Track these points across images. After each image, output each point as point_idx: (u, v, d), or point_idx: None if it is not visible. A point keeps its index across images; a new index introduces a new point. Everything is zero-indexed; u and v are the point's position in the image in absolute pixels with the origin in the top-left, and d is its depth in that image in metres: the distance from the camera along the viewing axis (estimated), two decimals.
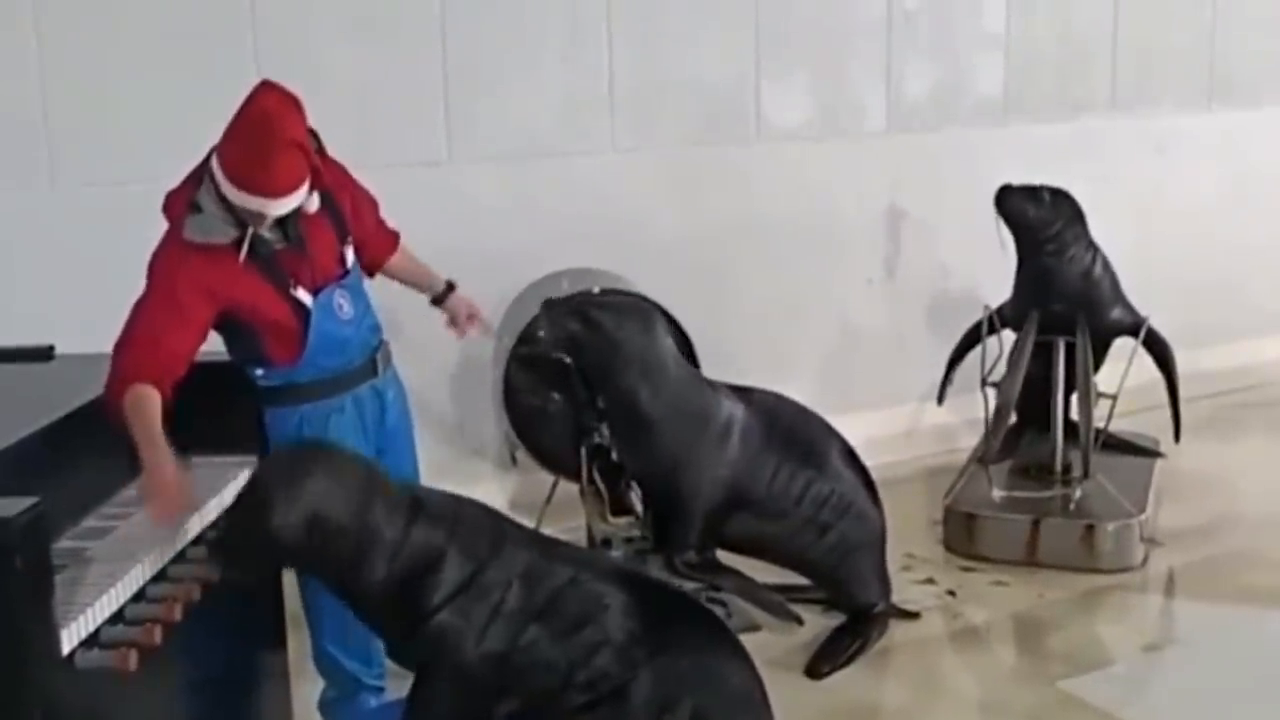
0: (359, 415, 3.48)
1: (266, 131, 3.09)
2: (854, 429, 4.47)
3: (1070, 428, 5.10)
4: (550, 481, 4.70)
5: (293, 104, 3.14)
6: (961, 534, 4.90)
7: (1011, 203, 5.00)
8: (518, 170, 5.13)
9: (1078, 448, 4.95)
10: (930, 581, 4.69)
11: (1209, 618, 4.43)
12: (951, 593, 4.62)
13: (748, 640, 3.23)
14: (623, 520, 4.46)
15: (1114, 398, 4.90)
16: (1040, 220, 4.99)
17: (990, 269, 5.14)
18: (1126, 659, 4.19)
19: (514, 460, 5.02)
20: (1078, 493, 4.86)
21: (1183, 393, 5.12)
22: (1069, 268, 5.01)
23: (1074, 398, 5.07)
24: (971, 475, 5.02)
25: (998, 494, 4.90)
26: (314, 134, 3.25)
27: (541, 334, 4.16)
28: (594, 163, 5.28)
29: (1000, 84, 6.09)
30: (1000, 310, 5.15)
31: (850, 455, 4.23)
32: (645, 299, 4.42)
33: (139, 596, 2.68)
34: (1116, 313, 5.09)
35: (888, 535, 4.31)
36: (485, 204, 5.06)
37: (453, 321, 3.82)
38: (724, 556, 4.25)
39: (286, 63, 3.59)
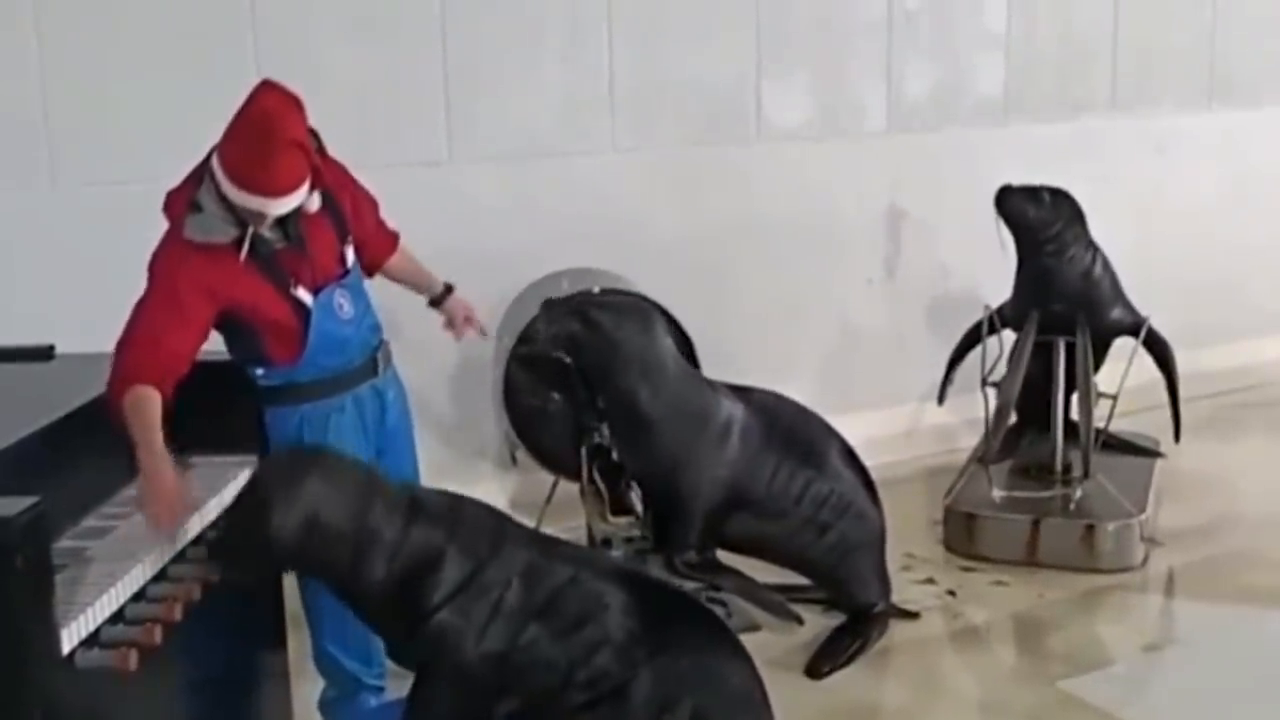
0: (359, 415, 3.48)
1: (267, 131, 3.09)
2: (854, 429, 4.47)
3: (1070, 428, 5.10)
4: (550, 481, 4.70)
5: (293, 103, 3.15)
6: (961, 534, 4.90)
7: (1011, 203, 5.00)
8: (518, 170, 5.13)
9: (1078, 448, 4.95)
10: (930, 581, 4.69)
11: (1209, 618, 4.43)
12: (951, 593, 4.62)
13: (748, 640, 3.23)
14: (623, 520, 4.46)
15: (1114, 398, 4.90)
16: (1040, 220, 4.99)
17: (990, 269, 5.14)
18: (1126, 659, 4.19)
19: (514, 460, 5.02)
20: (1078, 493, 4.86)
21: (1183, 393, 5.12)
22: (1069, 268, 5.01)
23: (1074, 398, 5.07)
24: (971, 475, 5.02)
25: (998, 494, 4.90)
26: (314, 134, 3.25)
27: (541, 334, 4.17)
28: (594, 163, 5.28)
29: (1000, 84, 6.09)
30: (1000, 310, 5.15)
31: (849, 455, 4.23)
32: (645, 299, 4.42)
33: (139, 596, 2.68)
34: (1116, 313, 5.09)
35: (888, 535, 4.32)
36: (485, 204, 5.06)
37: (450, 323, 3.82)
38: (724, 556, 4.25)
39: (286, 63, 3.59)
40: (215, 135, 3.19)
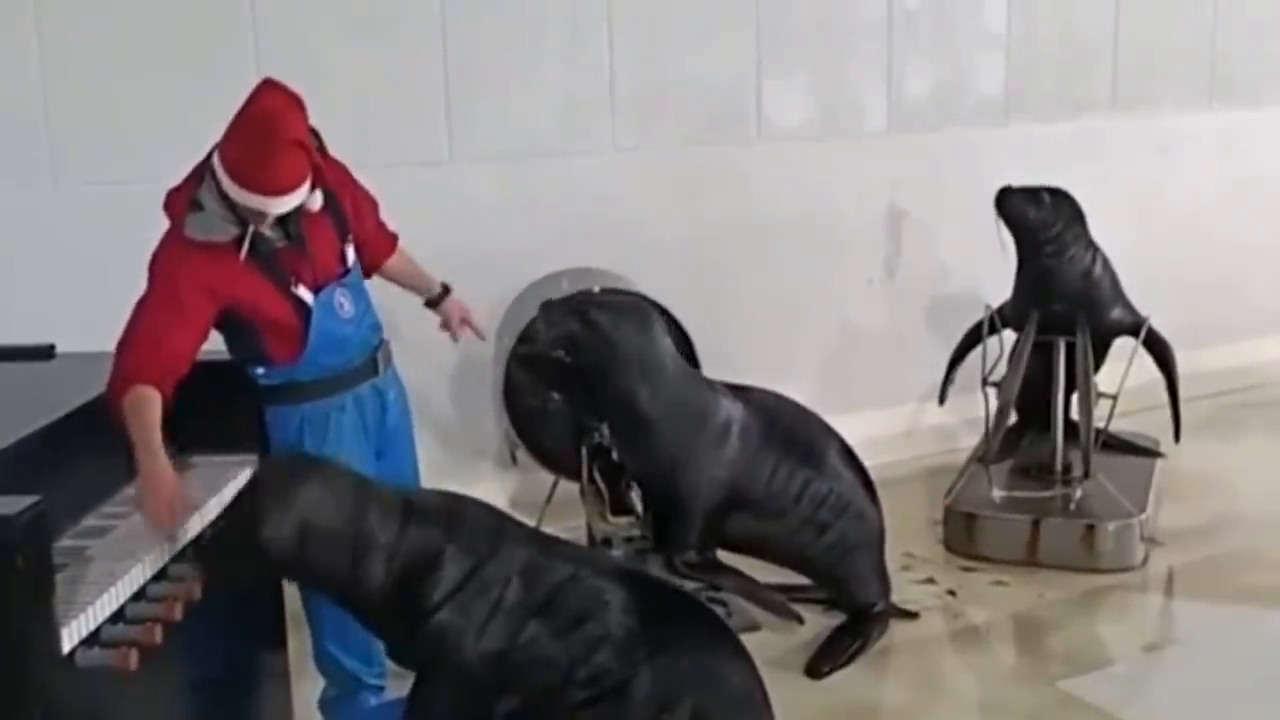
0: (360, 414, 3.48)
1: (268, 130, 3.09)
2: (854, 429, 4.48)
3: (1070, 428, 5.10)
4: (550, 481, 4.70)
5: (295, 103, 3.15)
6: (962, 534, 4.90)
7: (1011, 204, 5.00)
8: (518, 170, 5.14)
9: (1078, 448, 4.95)
10: (930, 581, 4.69)
11: (1209, 618, 4.43)
12: (952, 592, 4.62)
13: (748, 640, 3.23)
14: (623, 520, 4.46)
15: (1114, 398, 4.90)
16: (1040, 221, 4.99)
17: (990, 269, 5.14)
18: (1126, 659, 4.19)
19: (514, 460, 5.02)
20: (1078, 493, 4.86)
21: (1183, 393, 5.12)
22: (1069, 268, 5.01)
23: (1074, 398, 5.07)
24: (972, 475, 5.02)
25: (998, 494, 4.90)
26: (315, 133, 3.25)
27: (540, 334, 4.17)
28: (594, 163, 5.28)
29: (1001, 84, 6.09)
30: (1000, 310, 5.15)
31: (848, 454, 4.24)
32: (644, 298, 4.41)
33: (139, 595, 2.68)
34: (1117, 313, 5.09)
35: (888, 535, 4.32)
36: (485, 204, 5.06)
37: (446, 325, 3.83)
38: (724, 556, 4.25)
39: (286, 63, 3.59)
40: (216, 135, 3.20)
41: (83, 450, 2.87)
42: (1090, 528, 4.74)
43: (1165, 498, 5.15)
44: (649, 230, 5.29)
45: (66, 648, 2.40)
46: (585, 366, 4.08)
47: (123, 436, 2.97)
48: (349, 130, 3.75)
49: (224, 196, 3.17)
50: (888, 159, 5.85)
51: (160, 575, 2.77)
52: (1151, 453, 5.36)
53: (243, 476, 3.19)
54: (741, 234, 5.54)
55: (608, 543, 4.48)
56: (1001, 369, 5.06)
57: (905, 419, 5.90)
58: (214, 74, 4.23)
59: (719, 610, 3.74)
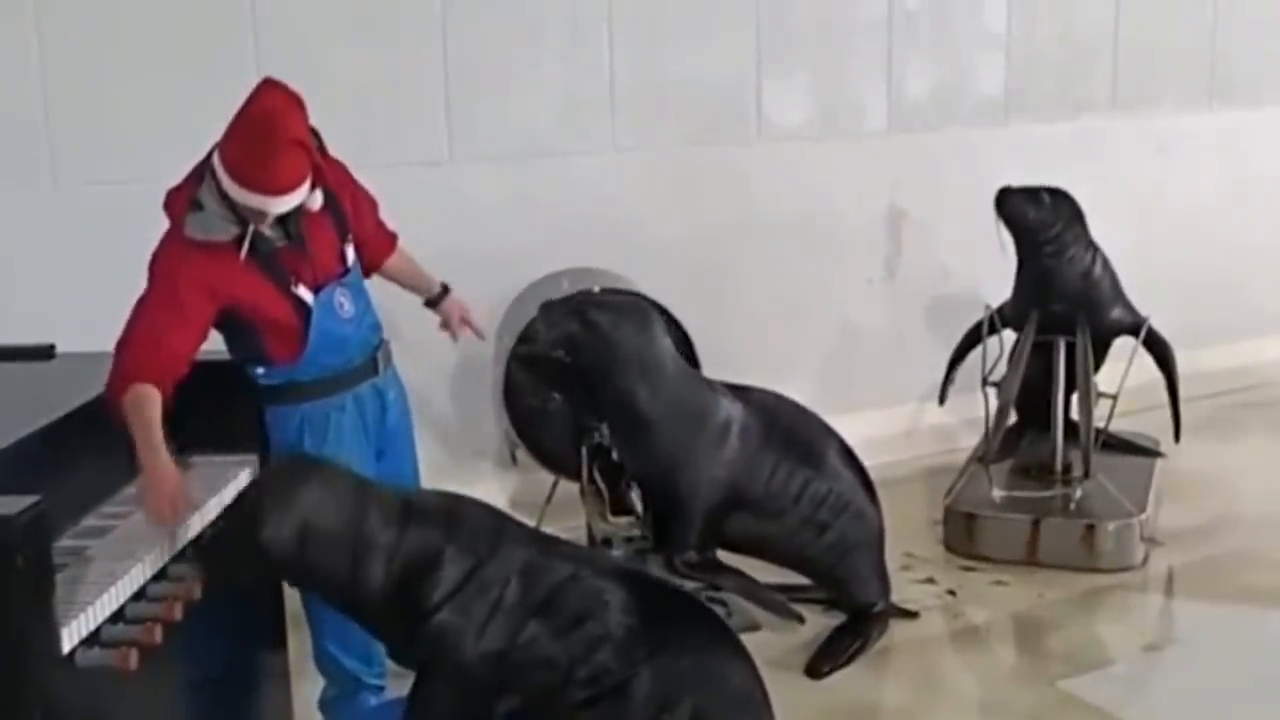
0: (360, 414, 3.48)
1: (269, 129, 3.10)
2: (854, 429, 4.48)
3: (1070, 427, 5.10)
4: (550, 481, 4.70)
5: (295, 102, 3.15)
6: (962, 534, 4.90)
7: (1011, 205, 5.00)
8: (518, 170, 5.13)
9: (1078, 447, 4.95)
10: (930, 581, 4.69)
11: (1209, 618, 4.43)
12: (952, 592, 4.62)
13: (748, 639, 3.23)
14: (623, 520, 4.46)
15: (1114, 397, 4.90)
16: (1040, 222, 4.99)
17: (990, 269, 5.14)
18: (1126, 659, 4.19)
19: (514, 460, 5.02)
20: (1078, 492, 4.86)
21: (1183, 393, 5.12)
22: (1069, 268, 5.01)
23: (1074, 397, 5.07)
24: (972, 475, 5.02)
25: (998, 494, 4.90)
26: (315, 133, 3.25)
27: (540, 335, 4.17)
28: (594, 163, 5.28)
29: (1001, 84, 6.09)
30: (1001, 310, 5.15)
31: (848, 454, 4.24)
32: (644, 298, 4.41)
33: (139, 595, 2.68)
34: (1117, 312, 5.09)
35: (888, 535, 4.32)
36: (485, 204, 5.06)
37: (445, 324, 3.83)
38: (724, 556, 4.25)
39: (286, 63, 3.59)
40: (216, 135, 3.20)
41: (83, 450, 2.87)
42: (1090, 527, 4.74)
43: (1165, 498, 5.15)
44: (649, 230, 5.29)
45: (66, 648, 2.41)
46: (585, 367, 4.08)
47: (123, 435, 2.97)
48: (349, 130, 3.76)
49: (224, 196, 3.17)
50: (888, 159, 5.85)
51: (160, 575, 2.78)
52: (1151, 453, 5.36)
53: (243, 476, 3.20)
54: (741, 234, 5.54)
55: (608, 543, 4.48)
56: (1001, 369, 5.06)
57: (905, 419, 5.90)
58: (214, 74, 4.23)
59: (719, 610, 3.74)
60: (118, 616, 2.59)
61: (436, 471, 3.96)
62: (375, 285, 3.66)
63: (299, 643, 3.64)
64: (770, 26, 5.52)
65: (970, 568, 4.78)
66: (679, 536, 4.12)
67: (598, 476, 4.47)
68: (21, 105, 4.34)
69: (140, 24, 4.48)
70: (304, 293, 3.32)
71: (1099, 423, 4.90)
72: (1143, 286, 5.19)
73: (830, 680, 4.05)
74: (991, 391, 5.01)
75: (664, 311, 4.37)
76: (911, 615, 4.40)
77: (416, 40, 4.93)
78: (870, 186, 5.84)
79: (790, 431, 4.18)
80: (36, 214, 4.36)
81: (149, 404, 3.01)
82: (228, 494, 3.10)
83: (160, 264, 3.21)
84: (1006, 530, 4.81)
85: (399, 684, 3.39)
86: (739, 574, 4.24)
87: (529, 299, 4.65)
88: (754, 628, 4.23)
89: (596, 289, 4.52)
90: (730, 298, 5.49)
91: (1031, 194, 5.00)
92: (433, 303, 3.82)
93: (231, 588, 2.97)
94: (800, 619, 4.29)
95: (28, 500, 2.28)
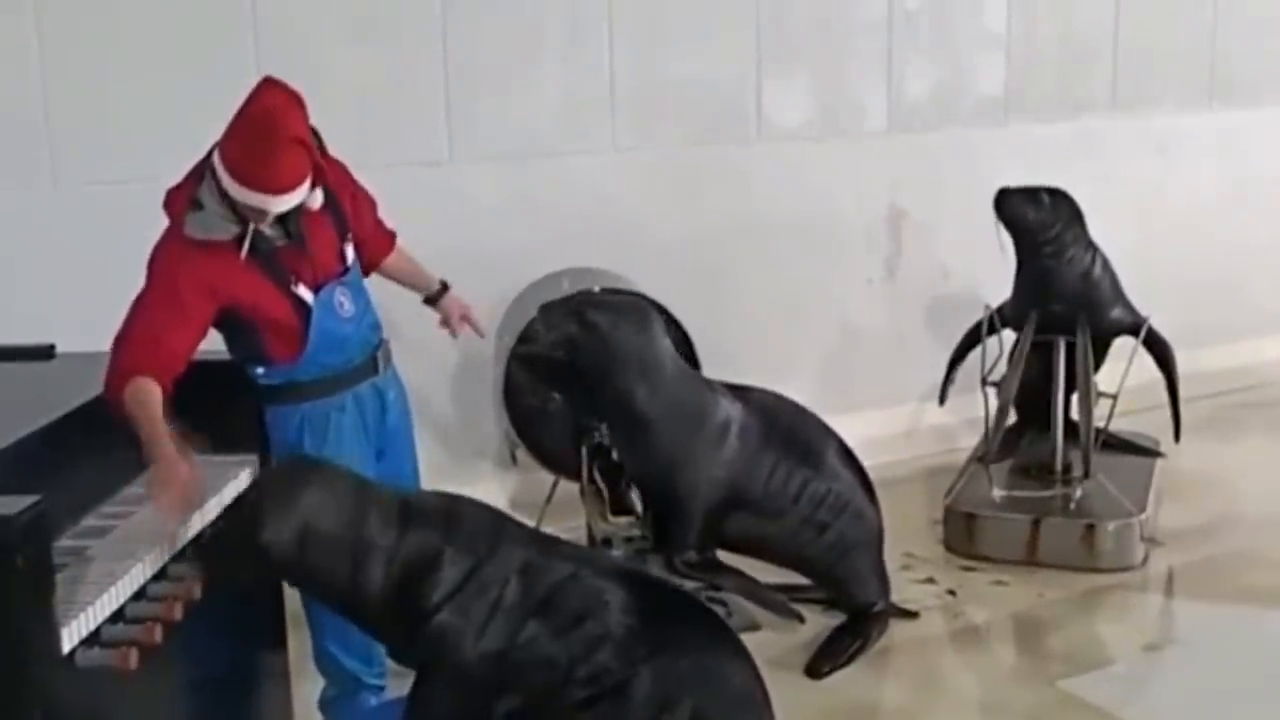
0: (360, 414, 3.48)
1: (269, 128, 3.10)
2: (854, 429, 4.48)
3: (1070, 427, 5.10)
4: (550, 481, 4.70)
5: (295, 101, 3.15)
6: (962, 534, 4.90)
7: (1010, 205, 4.99)
8: (518, 170, 5.13)
9: (1078, 447, 4.95)
10: (930, 581, 4.69)
11: (1209, 618, 4.43)
12: (952, 592, 4.62)
13: (748, 639, 3.23)
14: (623, 520, 4.46)
15: (1114, 397, 4.90)
16: (1040, 223, 4.99)
17: (990, 269, 5.14)
18: (1126, 659, 4.19)
19: (514, 460, 5.02)
20: (1078, 492, 4.86)
21: (1183, 393, 5.12)
22: (1068, 269, 5.01)
23: (1074, 397, 5.07)
24: (972, 475, 5.02)
25: (998, 494, 4.90)
26: (315, 132, 3.25)
27: (540, 336, 4.17)
28: (594, 163, 5.28)
29: (1001, 84, 6.09)
30: (1000, 310, 5.15)
31: (847, 454, 4.24)
32: (644, 298, 4.41)
33: (139, 595, 2.68)
34: (1116, 313, 5.09)
35: (888, 535, 4.32)
36: (485, 204, 5.06)
37: (445, 322, 3.83)
38: (723, 556, 4.25)
39: (286, 63, 3.58)
40: (216, 135, 3.20)
41: (83, 450, 2.87)
42: (1090, 527, 4.74)
43: (1165, 498, 5.15)
44: (649, 230, 5.29)
45: (66, 648, 2.40)
46: (584, 367, 4.08)
47: (123, 434, 2.97)
48: (349, 130, 3.76)
49: (224, 195, 3.17)
50: (888, 159, 5.85)
51: (160, 575, 2.77)
52: (1151, 452, 5.36)
53: (243, 476, 3.20)
54: (741, 234, 5.54)
55: (608, 543, 4.48)
56: (1001, 369, 5.06)
57: (905, 419, 5.90)
58: (214, 74, 4.23)
59: (719, 610, 3.74)
60: (118, 616, 2.59)
61: (436, 471, 3.96)
62: (375, 284, 3.66)
63: (299, 643, 3.63)
64: (770, 26, 5.52)
65: (970, 568, 4.78)
66: (678, 536, 4.12)
67: (598, 476, 4.47)
68: (21, 105, 4.34)
69: (140, 24, 4.48)
70: (304, 292, 3.32)
71: (1099, 422, 4.90)
72: (1143, 286, 5.19)
73: (830, 680, 4.05)
74: (991, 391, 5.01)
75: (664, 311, 4.37)
76: (911, 615, 4.40)
77: (416, 40, 4.93)
78: (870, 186, 5.84)
79: (789, 431, 4.18)
80: (36, 214, 4.36)
81: (151, 399, 3.01)
82: (228, 494, 3.09)
83: (160, 262, 3.21)
84: (1006, 530, 4.81)
85: (399, 684, 3.39)
86: (739, 574, 4.24)
87: (529, 299, 4.65)
88: (754, 627, 4.23)
89: (596, 289, 4.52)
90: (730, 298, 5.48)
91: (1031, 194, 5.00)
92: (432, 300, 3.83)
93: (232, 588, 2.97)
94: (800, 619, 4.29)
95: (28, 500, 2.28)
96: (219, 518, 3.00)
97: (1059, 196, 5.02)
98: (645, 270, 4.89)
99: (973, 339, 5.21)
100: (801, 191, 5.66)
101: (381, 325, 3.57)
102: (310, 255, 3.34)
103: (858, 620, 4.25)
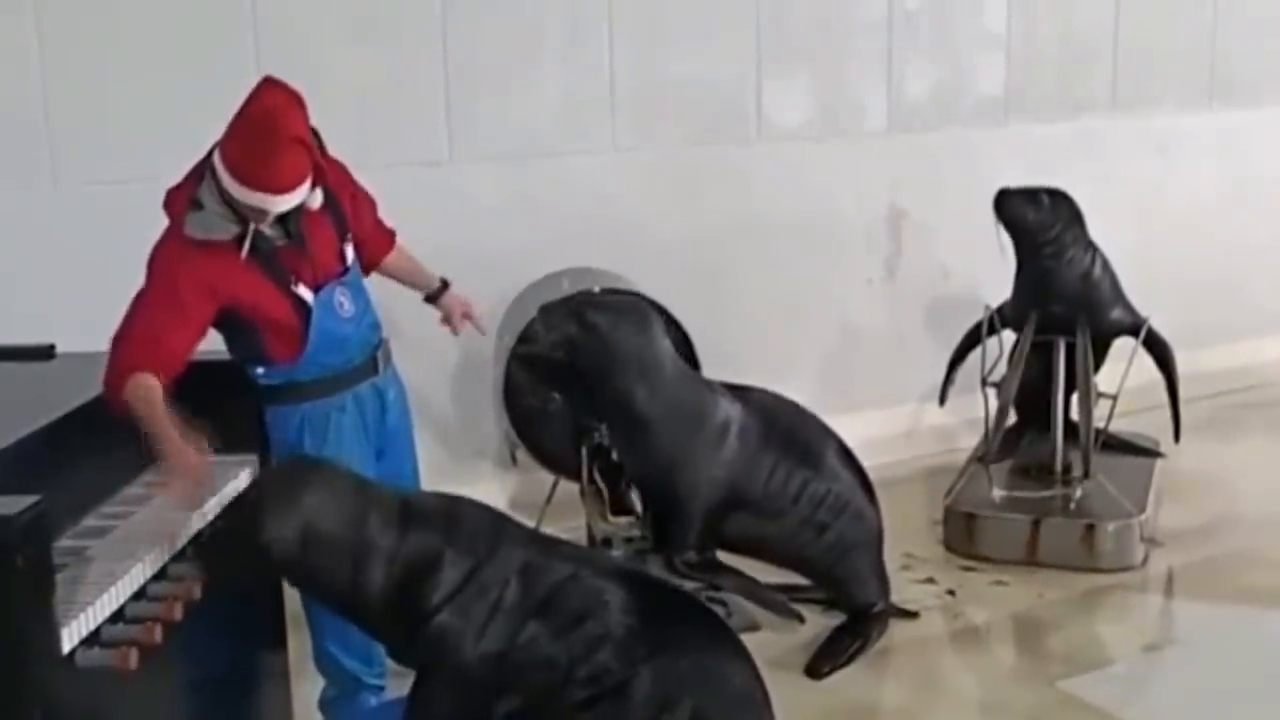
0: (360, 414, 3.48)
1: (270, 128, 3.10)
2: (854, 429, 4.48)
3: (1070, 428, 5.10)
4: (550, 481, 4.70)
5: (296, 101, 3.15)
6: (961, 534, 4.90)
7: (1010, 207, 4.99)
8: (518, 170, 5.13)
9: (1078, 448, 4.95)
10: (930, 581, 4.69)
11: (1209, 618, 4.43)
12: (951, 592, 4.62)
13: (748, 640, 3.23)
14: (623, 520, 4.46)
15: (1114, 398, 4.90)
16: (1039, 224, 4.99)
17: (990, 269, 5.14)
18: (1126, 659, 4.19)
19: (514, 460, 5.02)
20: (1078, 493, 4.86)
21: (1183, 393, 5.12)
22: (1068, 270, 5.01)
23: (1074, 398, 5.07)
24: (972, 475, 5.02)
25: (998, 494, 4.90)
26: (315, 133, 3.25)
27: (539, 338, 4.17)
28: (594, 163, 5.28)
29: (1001, 84, 6.09)
30: (1000, 310, 5.15)
31: (846, 454, 4.24)
32: (643, 298, 4.41)
33: (139, 595, 2.68)
34: (1116, 313, 5.09)
35: (888, 535, 4.32)
36: (485, 204, 5.06)
37: (447, 319, 3.83)
38: (723, 557, 4.25)
39: (287, 62, 3.58)
40: (216, 135, 3.20)
41: (83, 450, 2.87)
42: (1090, 528, 4.74)
43: (1165, 498, 5.15)
44: (649, 230, 5.29)
45: (66, 648, 2.40)
46: (584, 368, 4.08)
47: (124, 431, 2.97)
48: (349, 130, 3.76)
49: (224, 195, 3.17)
50: (888, 159, 5.85)
51: (160, 575, 2.77)
52: (1151, 453, 5.36)
53: (243, 476, 3.20)
54: (741, 234, 5.54)
55: (608, 543, 4.48)
56: (1001, 369, 5.06)
57: (905, 419, 5.90)
58: (214, 74, 4.23)
59: (719, 610, 3.74)
60: (118, 616, 2.58)
61: (436, 471, 3.96)
62: (375, 284, 3.66)
63: (299, 643, 3.63)
64: (770, 26, 5.52)
65: (970, 568, 4.78)
66: (678, 537, 4.12)
67: (598, 477, 4.47)
68: (21, 105, 4.34)
69: (140, 24, 4.47)
70: (304, 292, 3.32)
71: (1099, 423, 4.91)
72: (1143, 286, 5.19)
73: (830, 680, 4.05)
74: (991, 392, 5.01)
75: (664, 312, 4.37)
76: (911, 615, 4.40)
77: (416, 40, 4.93)
78: (870, 186, 5.84)
79: (789, 432, 4.18)
80: (36, 214, 4.36)
81: (152, 393, 3.02)
82: (227, 494, 3.09)
83: (159, 262, 3.21)
84: (1006, 530, 4.81)
85: (399, 684, 3.39)
86: (739, 574, 4.24)
87: (529, 299, 4.65)
88: (754, 628, 4.23)
89: (596, 289, 4.52)
90: (730, 298, 5.48)
91: (1030, 195, 5.00)
92: (433, 298, 3.83)
93: (232, 587, 2.97)
94: (800, 619, 4.29)
95: (28, 500, 2.28)
96: (219, 517, 3.00)
97: (1058, 197, 5.02)
98: (645, 270, 4.89)
99: (973, 339, 5.21)
100: (801, 191, 5.66)
101: (381, 325, 3.57)
102: (310, 255, 3.34)
103: (857, 620, 4.25)
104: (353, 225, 3.49)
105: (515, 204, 5.11)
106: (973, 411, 5.17)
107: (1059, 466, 5.12)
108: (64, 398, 2.96)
